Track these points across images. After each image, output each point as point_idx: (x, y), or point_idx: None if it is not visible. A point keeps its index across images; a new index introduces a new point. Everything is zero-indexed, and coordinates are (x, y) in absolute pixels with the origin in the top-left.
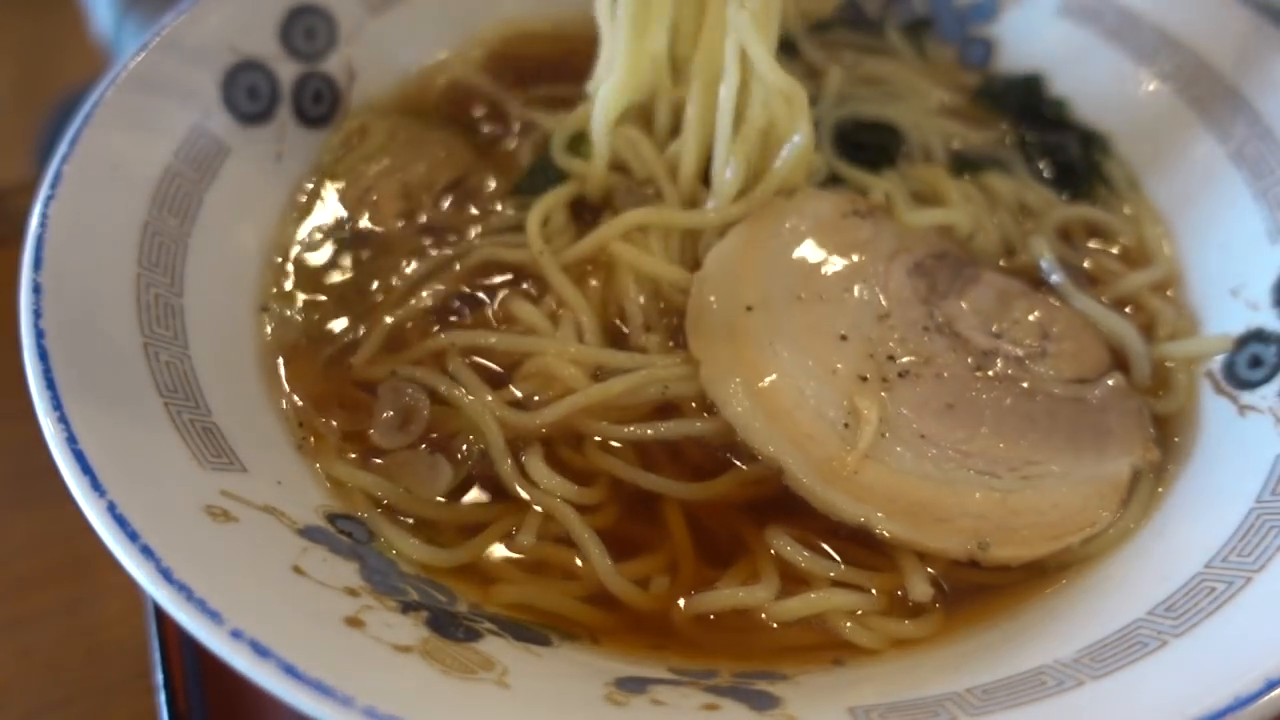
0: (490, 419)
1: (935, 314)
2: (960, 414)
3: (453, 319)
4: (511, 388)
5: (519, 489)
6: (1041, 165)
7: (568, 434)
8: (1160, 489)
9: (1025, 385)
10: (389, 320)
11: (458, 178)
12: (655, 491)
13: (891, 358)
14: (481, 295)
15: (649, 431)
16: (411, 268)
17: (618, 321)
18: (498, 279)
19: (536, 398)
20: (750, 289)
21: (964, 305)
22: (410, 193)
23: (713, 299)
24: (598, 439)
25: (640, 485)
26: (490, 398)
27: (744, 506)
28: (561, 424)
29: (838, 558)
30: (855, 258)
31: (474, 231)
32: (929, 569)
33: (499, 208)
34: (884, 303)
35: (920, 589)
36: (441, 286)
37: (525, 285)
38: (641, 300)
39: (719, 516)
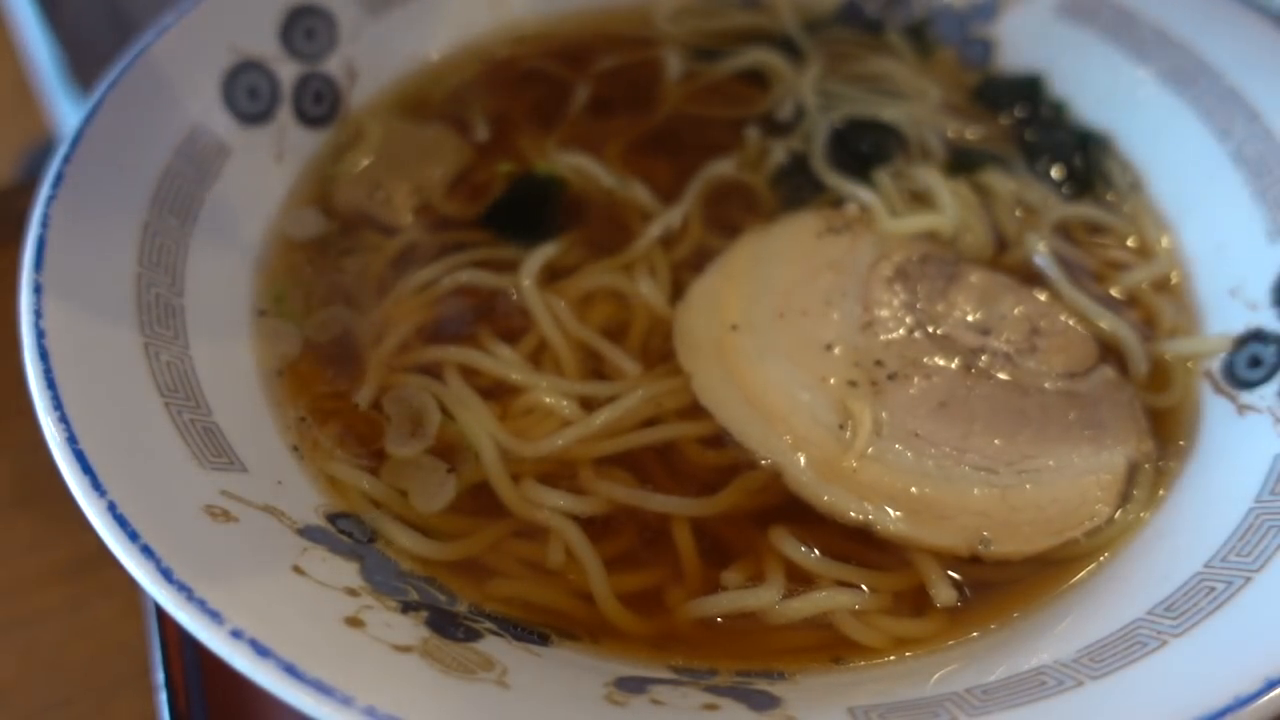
0: (488, 440)
1: (921, 317)
2: (953, 412)
3: (447, 336)
4: (506, 423)
5: (519, 507)
6: (1041, 164)
7: (563, 467)
8: (1160, 488)
9: (1016, 381)
10: (391, 330)
11: (463, 170)
12: (662, 512)
13: (879, 363)
14: (467, 318)
15: (644, 438)
16: (415, 271)
17: (595, 347)
18: (479, 302)
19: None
20: (733, 311)
21: (949, 305)
22: (421, 188)
23: (696, 323)
24: (594, 463)
25: (646, 508)
26: (487, 417)
27: (749, 514)
28: (558, 456)
29: (842, 558)
30: (834, 272)
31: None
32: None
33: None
34: (867, 311)
35: (945, 594)
36: (436, 298)
37: (504, 313)
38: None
39: (723, 521)
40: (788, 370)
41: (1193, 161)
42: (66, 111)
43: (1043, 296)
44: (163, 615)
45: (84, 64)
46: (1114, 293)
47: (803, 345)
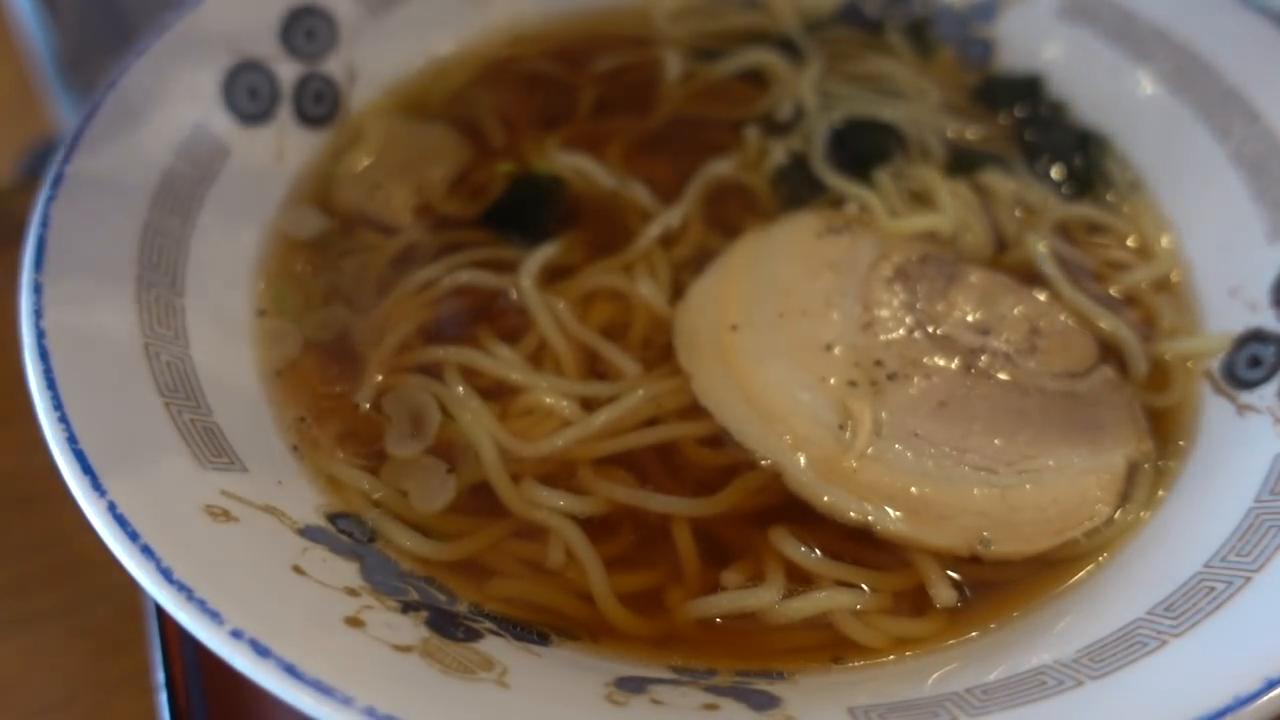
0: (488, 440)
1: (920, 317)
2: (953, 412)
3: (447, 336)
4: (506, 423)
5: (519, 507)
6: (1041, 164)
7: (563, 467)
8: (1160, 488)
9: (1016, 381)
10: (391, 330)
11: (463, 170)
12: (662, 512)
13: (879, 363)
14: (467, 318)
15: (644, 438)
16: (414, 271)
17: (595, 348)
18: (479, 302)
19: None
20: (733, 312)
21: (949, 305)
22: (421, 188)
23: (696, 323)
24: (594, 463)
25: (646, 508)
26: (487, 417)
27: (749, 514)
28: (558, 456)
29: (842, 558)
30: (834, 272)
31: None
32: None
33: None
34: (867, 311)
35: (945, 594)
36: (436, 298)
37: (504, 312)
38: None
39: (723, 521)
40: (788, 370)
41: (1193, 161)
42: (66, 111)
43: (1043, 296)
44: (163, 615)
45: (84, 63)
46: (1114, 293)
47: (803, 345)
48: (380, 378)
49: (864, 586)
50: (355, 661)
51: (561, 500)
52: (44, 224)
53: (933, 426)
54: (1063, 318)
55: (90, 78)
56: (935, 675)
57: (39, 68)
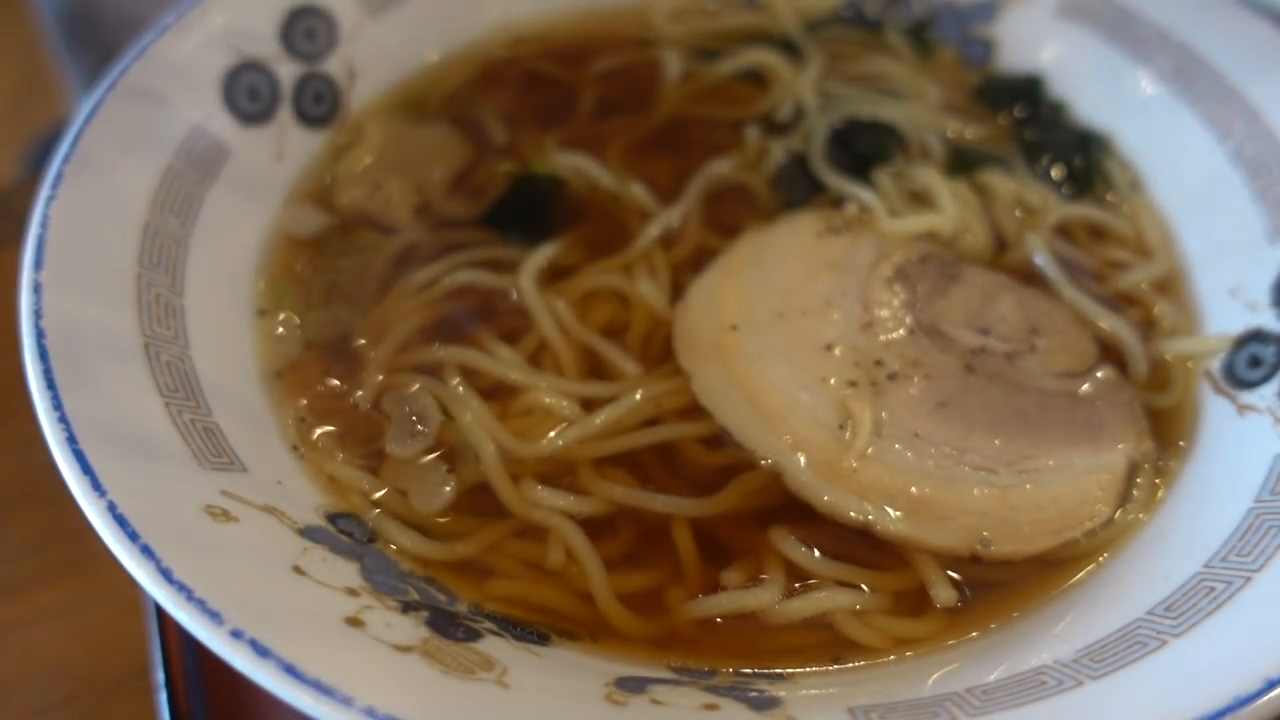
0: (488, 440)
1: (920, 317)
2: (953, 412)
3: (447, 336)
4: (506, 423)
5: (519, 507)
6: (1041, 164)
7: (563, 467)
8: (1160, 488)
9: (1016, 381)
10: (391, 330)
11: (462, 170)
12: (663, 513)
13: (879, 363)
14: (467, 318)
15: (644, 438)
16: (415, 271)
17: (595, 348)
18: (479, 302)
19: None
20: (732, 311)
21: (949, 305)
22: (421, 188)
23: (696, 323)
24: (594, 463)
25: (646, 508)
26: (487, 417)
27: (749, 514)
28: (558, 456)
29: (842, 558)
30: (834, 272)
31: (467, 239)
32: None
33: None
34: (867, 311)
35: (945, 594)
36: (436, 298)
37: (504, 312)
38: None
39: (723, 521)
40: (788, 370)
41: (1193, 161)
42: (72, 109)
43: (1043, 296)
44: (163, 615)
45: (89, 60)
46: (1114, 293)
47: (803, 345)
48: (380, 378)
49: (864, 586)
50: (355, 661)
51: (561, 500)
52: (44, 224)
53: (933, 426)
54: (1063, 318)
55: (96, 73)
56: (935, 675)
57: (44, 64)
